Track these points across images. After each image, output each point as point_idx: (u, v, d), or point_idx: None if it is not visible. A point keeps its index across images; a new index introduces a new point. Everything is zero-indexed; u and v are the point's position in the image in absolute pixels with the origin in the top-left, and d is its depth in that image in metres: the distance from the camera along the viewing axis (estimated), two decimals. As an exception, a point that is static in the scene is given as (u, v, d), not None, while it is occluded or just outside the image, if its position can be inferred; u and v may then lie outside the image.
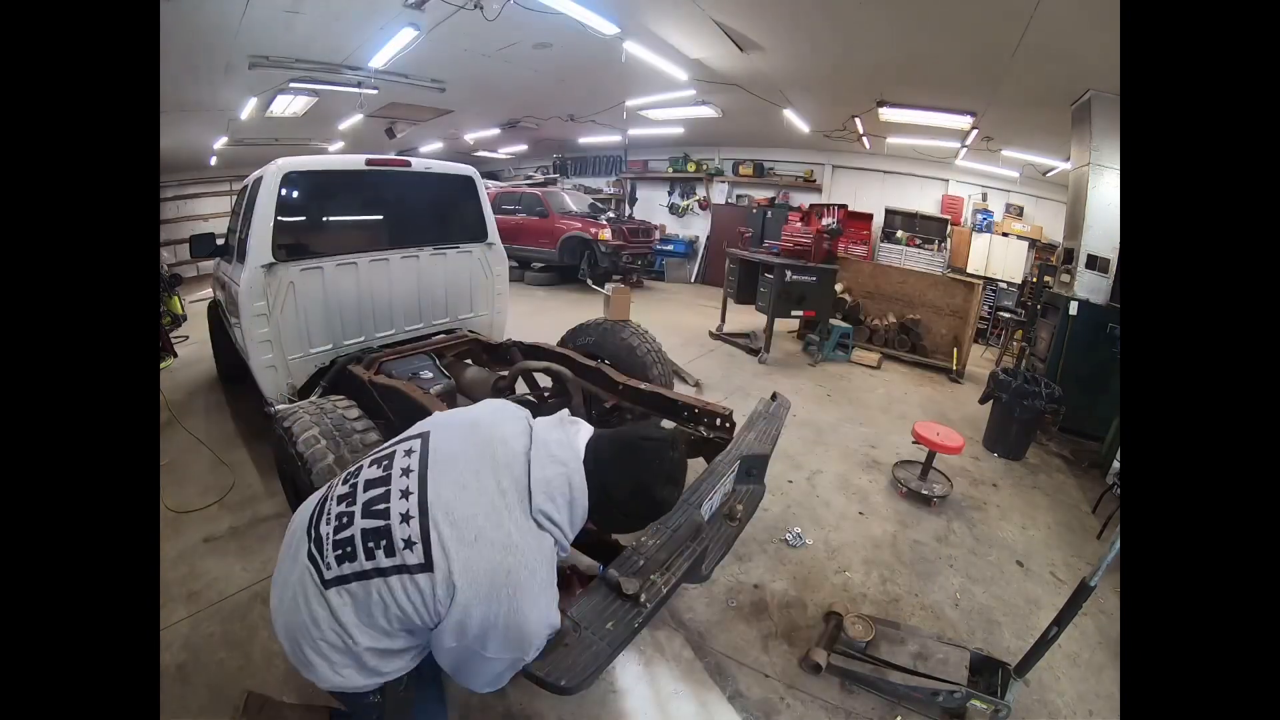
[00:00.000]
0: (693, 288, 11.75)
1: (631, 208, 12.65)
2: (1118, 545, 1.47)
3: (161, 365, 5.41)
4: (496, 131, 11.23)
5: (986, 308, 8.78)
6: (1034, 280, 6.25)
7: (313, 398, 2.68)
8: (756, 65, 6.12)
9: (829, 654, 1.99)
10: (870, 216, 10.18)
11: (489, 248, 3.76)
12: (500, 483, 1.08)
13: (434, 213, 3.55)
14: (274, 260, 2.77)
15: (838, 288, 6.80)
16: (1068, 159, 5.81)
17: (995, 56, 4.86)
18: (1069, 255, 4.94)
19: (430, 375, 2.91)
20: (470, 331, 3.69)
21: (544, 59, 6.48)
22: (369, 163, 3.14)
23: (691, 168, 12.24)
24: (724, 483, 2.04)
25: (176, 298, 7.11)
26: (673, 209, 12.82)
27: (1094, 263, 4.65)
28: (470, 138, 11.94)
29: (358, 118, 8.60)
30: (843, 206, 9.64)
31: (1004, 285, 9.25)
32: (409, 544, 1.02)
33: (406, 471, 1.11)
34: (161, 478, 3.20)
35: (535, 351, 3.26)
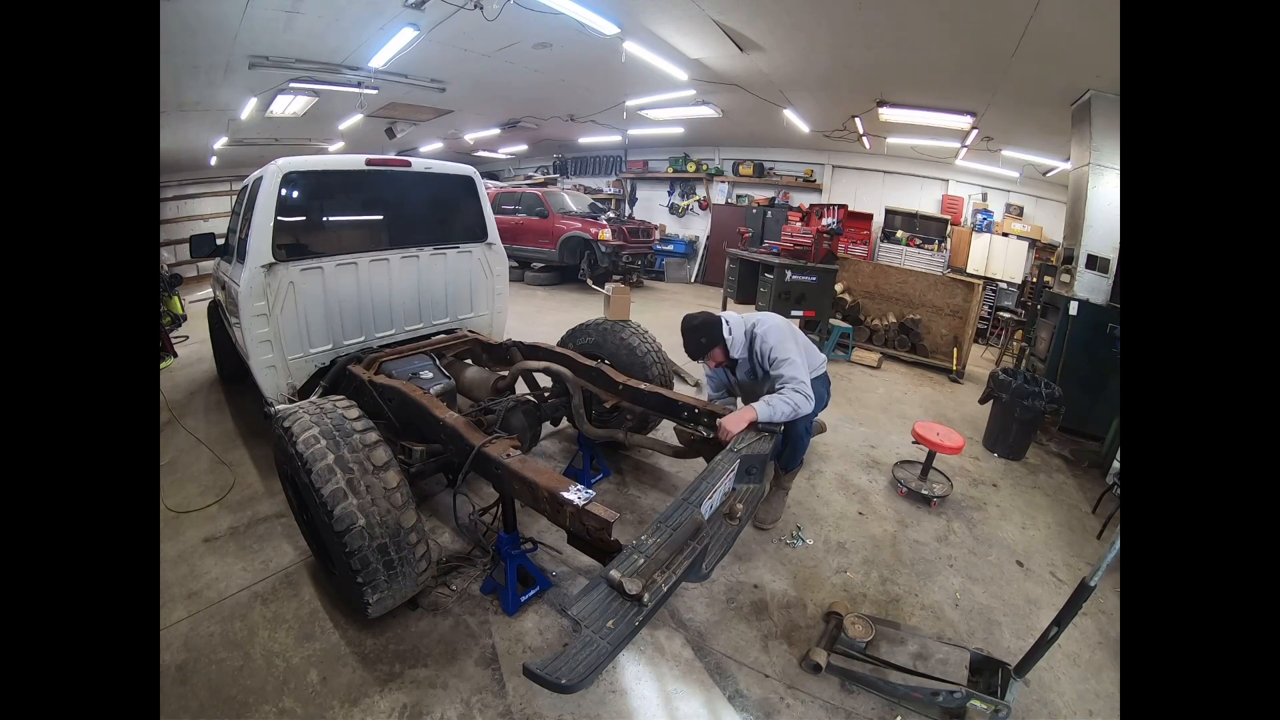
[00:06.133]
0: (693, 288, 11.75)
1: (631, 208, 12.66)
2: (1118, 545, 1.47)
3: (161, 365, 5.41)
4: (496, 131, 11.23)
5: (986, 308, 8.78)
6: (1034, 280, 6.26)
7: (313, 398, 2.68)
8: (756, 65, 6.12)
9: (829, 654, 1.99)
10: (870, 216, 10.18)
11: (489, 248, 3.76)
12: None
13: (434, 213, 3.55)
14: (274, 260, 2.76)
15: (838, 288, 6.80)
16: (1068, 159, 5.81)
17: (995, 56, 4.86)
18: (1069, 255, 4.94)
19: (430, 375, 2.91)
20: (470, 331, 3.69)
21: (544, 59, 6.48)
22: (369, 163, 3.13)
23: (691, 168, 12.25)
24: (724, 482, 2.04)
25: (176, 298, 7.11)
26: (673, 209, 12.83)
27: (1094, 263, 4.65)
28: (470, 138, 11.94)
29: (358, 118, 8.60)
30: (843, 206, 9.64)
31: (1004, 285, 9.25)
32: None
33: None
34: (161, 478, 3.21)
35: (535, 351, 3.26)
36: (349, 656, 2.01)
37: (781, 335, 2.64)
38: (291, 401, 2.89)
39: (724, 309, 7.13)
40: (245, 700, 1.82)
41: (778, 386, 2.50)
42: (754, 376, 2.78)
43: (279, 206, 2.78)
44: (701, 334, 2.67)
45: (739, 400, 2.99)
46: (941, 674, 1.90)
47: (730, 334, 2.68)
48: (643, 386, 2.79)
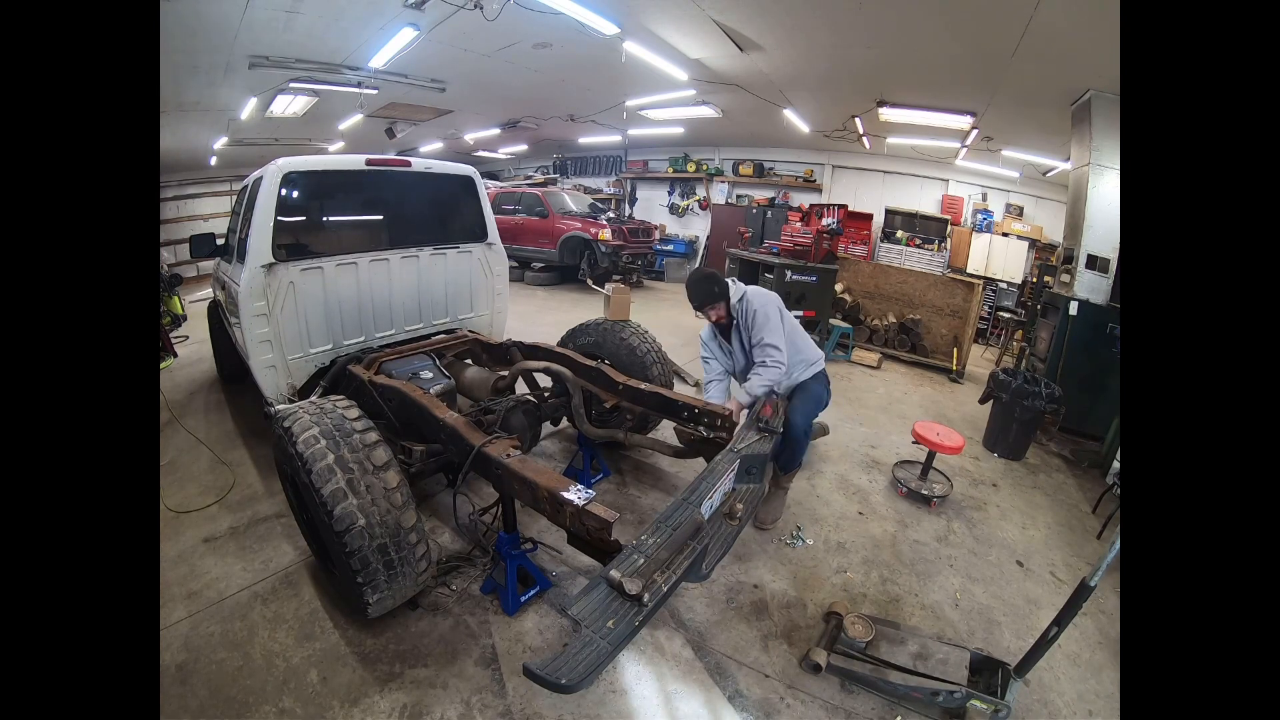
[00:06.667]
0: (693, 288, 11.73)
1: (631, 208, 12.66)
2: (1118, 545, 1.47)
3: (161, 365, 5.41)
4: (496, 131, 11.23)
5: (986, 308, 8.78)
6: (1034, 280, 6.27)
7: (313, 398, 2.68)
8: (756, 65, 6.12)
9: (829, 654, 1.99)
10: (870, 216, 10.18)
11: (489, 248, 3.76)
12: None
13: (434, 213, 3.55)
14: (274, 260, 2.76)
15: (838, 288, 6.80)
16: (1068, 159, 5.81)
17: (995, 56, 4.86)
18: (1069, 255, 4.94)
19: (430, 375, 2.91)
20: (470, 331, 3.69)
21: (544, 59, 6.48)
22: (369, 163, 3.13)
23: (691, 168, 12.24)
24: (724, 482, 2.04)
25: (176, 298, 7.11)
26: (673, 209, 12.82)
27: (1094, 263, 4.65)
28: (470, 138, 11.94)
29: (358, 118, 8.60)
30: (843, 206, 9.64)
31: (1004, 285, 9.25)
32: None
33: None
34: (161, 478, 3.21)
35: (535, 351, 3.26)
36: (349, 656, 2.01)
37: (765, 299, 2.84)
38: (291, 401, 2.89)
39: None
40: (245, 700, 1.82)
41: (755, 357, 2.79)
42: (744, 345, 2.91)
43: (279, 206, 2.78)
44: (714, 282, 2.81)
45: (733, 387, 3.08)
46: (941, 674, 1.89)
47: (732, 288, 2.85)
48: (643, 386, 2.79)
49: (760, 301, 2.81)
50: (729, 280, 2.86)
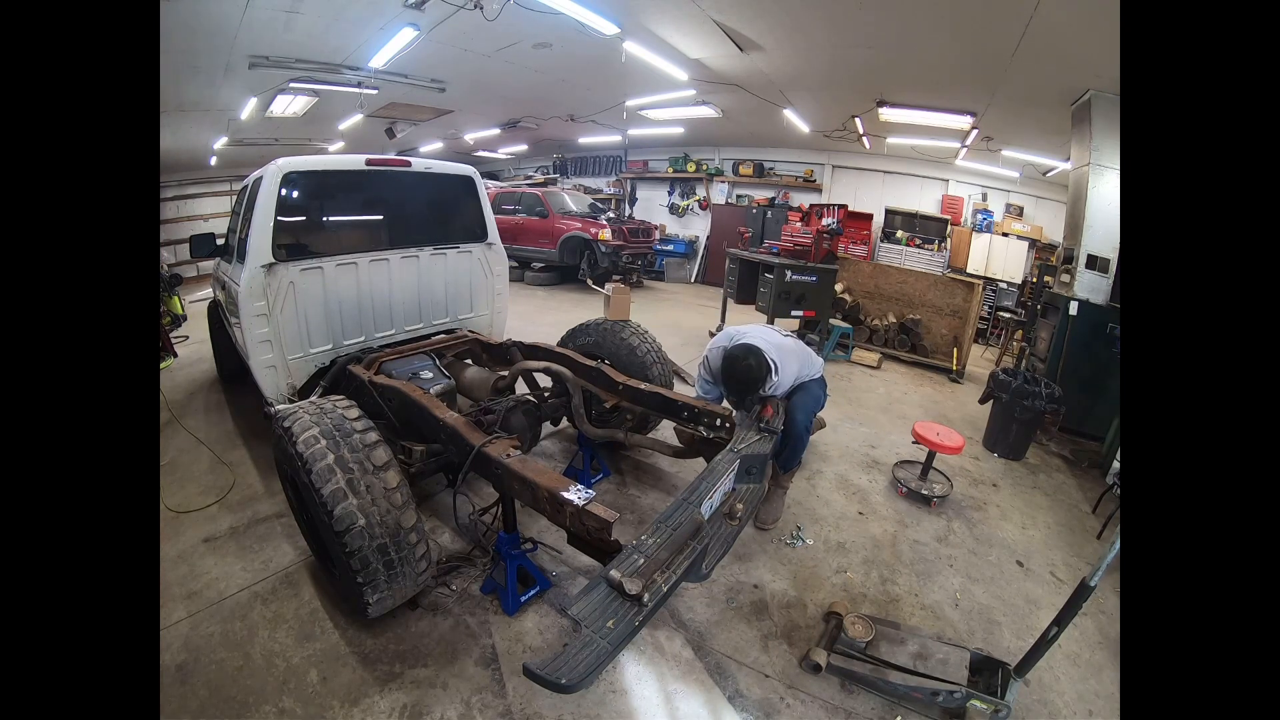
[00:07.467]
0: (693, 288, 11.75)
1: (631, 208, 12.66)
2: (1118, 545, 1.47)
3: (161, 365, 5.41)
4: (496, 131, 11.23)
5: (986, 308, 8.78)
6: (1034, 280, 6.26)
7: (313, 398, 2.68)
8: (756, 65, 6.12)
9: (829, 654, 1.99)
10: (870, 216, 10.18)
11: (489, 248, 3.76)
12: None
13: (434, 213, 3.55)
14: (274, 260, 2.76)
15: (838, 288, 6.80)
16: (1068, 159, 5.82)
17: (995, 56, 4.86)
18: (1069, 255, 4.94)
19: (430, 375, 2.91)
20: (470, 331, 3.69)
21: (544, 59, 6.48)
22: (369, 162, 3.13)
23: (691, 168, 12.25)
24: (724, 481, 2.04)
25: (176, 298, 7.11)
26: (673, 209, 12.83)
27: (1094, 263, 4.66)
28: (470, 138, 11.94)
29: (358, 118, 8.60)
30: (843, 206, 9.64)
31: (1004, 285, 9.26)
32: None
33: None
34: (161, 478, 3.21)
35: (535, 351, 3.26)
36: (349, 656, 2.01)
37: (786, 379, 2.79)
38: (291, 401, 2.89)
39: (724, 309, 7.16)
40: (245, 700, 1.82)
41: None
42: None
43: (279, 206, 2.78)
44: (761, 384, 2.63)
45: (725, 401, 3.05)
46: (941, 674, 1.89)
47: (776, 374, 2.68)
48: (643, 386, 2.79)
49: (783, 389, 2.81)
50: (771, 363, 2.65)
